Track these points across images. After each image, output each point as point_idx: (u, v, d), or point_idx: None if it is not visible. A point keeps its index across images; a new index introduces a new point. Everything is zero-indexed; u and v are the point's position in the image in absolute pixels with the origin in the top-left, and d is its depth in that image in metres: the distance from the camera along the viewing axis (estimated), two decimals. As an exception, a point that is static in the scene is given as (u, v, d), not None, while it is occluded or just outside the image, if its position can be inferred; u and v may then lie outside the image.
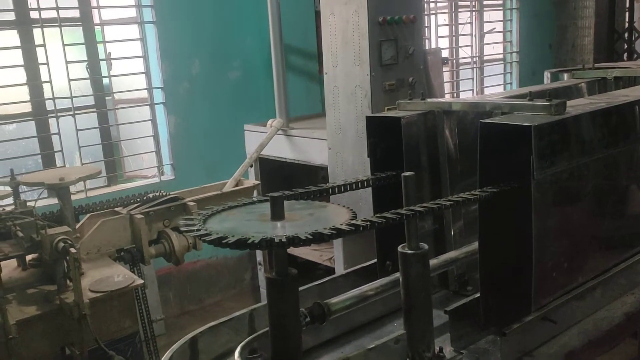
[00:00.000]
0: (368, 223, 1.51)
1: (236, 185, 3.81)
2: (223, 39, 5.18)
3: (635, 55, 8.07)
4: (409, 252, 1.67)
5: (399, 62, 3.47)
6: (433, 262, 1.95)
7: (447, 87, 6.73)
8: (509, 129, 1.76)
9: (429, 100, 2.23)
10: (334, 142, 3.84)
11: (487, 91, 7.52)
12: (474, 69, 7.42)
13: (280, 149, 4.45)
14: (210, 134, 5.16)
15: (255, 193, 3.80)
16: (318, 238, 1.41)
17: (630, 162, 2.13)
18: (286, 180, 4.58)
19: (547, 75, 4.60)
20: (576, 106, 1.95)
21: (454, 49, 7.14)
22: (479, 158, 1.81)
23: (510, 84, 7.81)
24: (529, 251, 1.77)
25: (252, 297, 5.54)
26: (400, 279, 1.71)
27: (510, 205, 1.79)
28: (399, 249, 1.69)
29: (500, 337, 1.75)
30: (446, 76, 6.69)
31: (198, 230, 1.49)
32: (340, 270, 3.97)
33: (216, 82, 5.16)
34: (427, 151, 2.21)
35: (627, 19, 8.15)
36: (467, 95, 7.32)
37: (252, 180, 4.12)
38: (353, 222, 1.50)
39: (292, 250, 2.25)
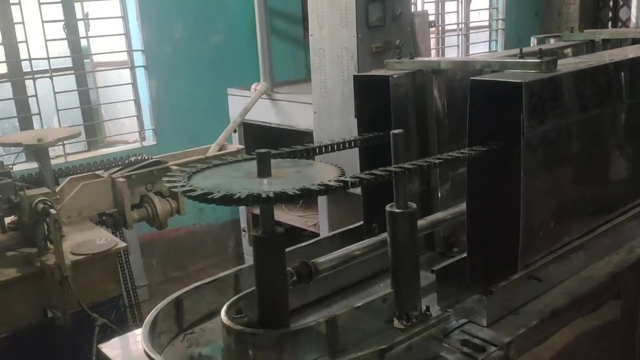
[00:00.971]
0: (357, 179, 1.48)
1: (220, 149, 3.75)
2: (206, 0, 5.05)
3: (620, 24, 8.07)
4: (397, 211, 1.66)
5: (386, 24, 3.41)
6: (420, 222, 1.94)
7: (432, 53, 6.66)
8: (499, 86, 1.73)
9: (417, 59, 2.19)
10: (320, 105, 3.79)
11: (472, 58, 7.47)
12: (460, 36, 7.36)
13: (265, 113, 4.39)
14: (193, 98, 5.07)
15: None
16: (306, 193, 1.38)
17: (619, 122, 2.12)
18: (270, 145, 4.49)
19: (533, 41, 4.57)
20: (567, 64, 1.92)
21: (440, 15, 7.06)
22: (469, 116, 1.78)
23: (496, 51, 7.77)
24: (516, 210, 1.76)
25: (236, 264, 5.50)
26: (388, 239, 1.69)
27: (499, 164, 1.77)
28: (387, 208, 1.67)
29: (487, 295, 1.75)
30: (432, 42, 6.62)
31: (182, 186, 1.45)
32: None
33: (199, 46, 5.05)
34: (415, 111, 2.18)
35: (612, -13, 8.13)
36: (452, 62, 7.26)
37: (236, 145, 4.07)
38: (341, 178, 1.47)
39: (276, 216, 2.21)
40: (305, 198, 1.42)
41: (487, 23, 7.76)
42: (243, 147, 3.81)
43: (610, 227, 2.17)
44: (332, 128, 3.73)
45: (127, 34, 4.74)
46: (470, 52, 7.51)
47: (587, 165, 2.04)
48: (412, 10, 4.18)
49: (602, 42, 2.93)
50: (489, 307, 1.75)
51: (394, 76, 2.08)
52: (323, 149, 1.98)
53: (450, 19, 7.28)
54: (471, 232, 1.85)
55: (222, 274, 1.89)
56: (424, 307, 1.72)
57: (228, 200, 1.34)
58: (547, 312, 1.82)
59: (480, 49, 7.72)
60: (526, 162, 1.73)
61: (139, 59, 4.85)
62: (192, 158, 3.48)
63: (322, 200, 4.11)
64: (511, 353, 1.69)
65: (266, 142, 4.69)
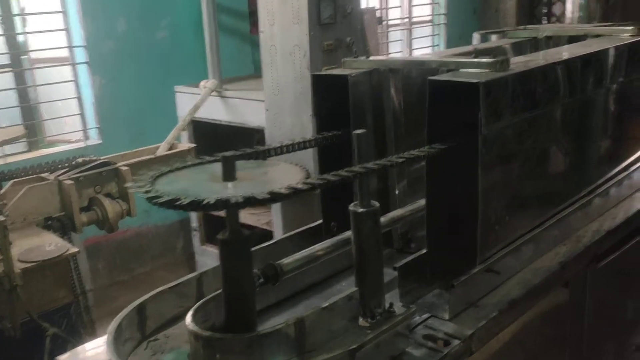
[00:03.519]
0: (324, 181, 1.49)
1: (170, 148, 3.69)
2: (149, -5, 4.93)
3: (554, 19, 8.39)
4: (361, 210, 1.67)
5: (337, 22, 3.42)
6: (381, 220, 1.97)
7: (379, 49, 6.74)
8: (457, 86, 1.77)
9: (374, 58, 2.22)
10: (272, 103, 3.77)
11: (416, 53, 7.62)
12: (404, 31, 7.48)
13: (215, 111, 4.33)
14: (139, 95, 4.95)
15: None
16: (275, 197, 1.37)
17: (567, 119, 2.21)
18: (220, 143, 4.45)
19: (476, 36, 4.68)
20: (517, 63, 1.99)
21: (384, 10, 7.15)
22: (427, 115, 1.81)
23: (438, 45, 7.95)
24: (474, 205, 1.81)
25: (185, 265, 5.45)
26: (352, 237, 1.70)
27: (457, 161, 1.81)
28: (351, 207, 1.68)
29: (449, 290, 1.80)
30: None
31: (147, 192, 1.41)
32: (279, 234, 3.95)
33: (143, 42, 4.92)
34: (372, 109, 2.20)
35: (547, -16, 8.44)
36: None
37: (186, 144, 4.00)
38: (309, 180, 1.47)
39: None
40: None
41: (429, 18, 7.92)
42: (194, 145, 3.75)
43: (558, 219, 2.27)
44: (285, 125, 3.72)
45: (67, 29, 4.56)
46: (414, 47, 7.65)
47: (538, 160, 2.13)
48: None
49: (544, 40, 3.03)
50: (450, 301, 1.80)
51: (352, 75, 2.10)
52: (285, 149, 1.97)
53: (394, 14, 7.38)
54: (431, 229, 1.89)
55: (184, 278, 1.86)
56: (387, 304, 1.75)
57: (196, 206, 1.32)
58: (504, 303, 1.89)
59: (423, 43, 7.87)
60: (483, 159, 1.79)
61: (80, 55, 4.68)
62: (142, 158, 3.41)
63: (275, 198, 4.09)
64: (473, 345, 1.75)
65: (216, 140, 4.67)
